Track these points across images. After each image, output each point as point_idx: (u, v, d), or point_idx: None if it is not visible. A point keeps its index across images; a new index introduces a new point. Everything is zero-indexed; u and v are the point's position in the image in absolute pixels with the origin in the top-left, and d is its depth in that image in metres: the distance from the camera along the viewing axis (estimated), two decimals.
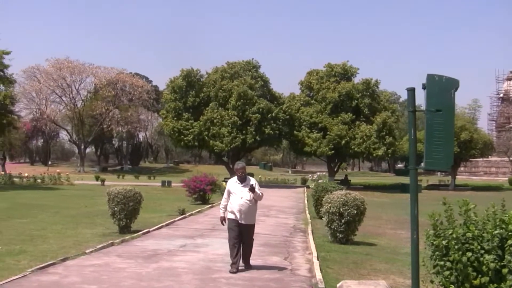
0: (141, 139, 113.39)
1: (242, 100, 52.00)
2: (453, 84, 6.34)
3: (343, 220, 15.38)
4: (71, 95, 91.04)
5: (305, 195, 39.81)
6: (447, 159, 6.35)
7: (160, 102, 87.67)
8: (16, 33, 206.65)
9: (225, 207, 11.42)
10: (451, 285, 6.34)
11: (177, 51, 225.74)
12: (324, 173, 60.57)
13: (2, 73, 43.24)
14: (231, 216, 11.20)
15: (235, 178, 11.44)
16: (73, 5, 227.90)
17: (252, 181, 11.30)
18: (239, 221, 11.07)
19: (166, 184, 47.84)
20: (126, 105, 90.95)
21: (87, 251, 12.93)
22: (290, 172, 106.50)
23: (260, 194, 11.31)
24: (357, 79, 59.11)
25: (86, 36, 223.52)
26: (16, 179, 46.23)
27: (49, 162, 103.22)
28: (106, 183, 47.79)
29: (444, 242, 6.42)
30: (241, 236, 11.14)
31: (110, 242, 14.25)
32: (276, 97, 57.60)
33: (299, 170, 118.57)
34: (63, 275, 10.30)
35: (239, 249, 11.17)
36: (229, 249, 11.27)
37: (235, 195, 11.16)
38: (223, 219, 11.50)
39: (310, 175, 64.06)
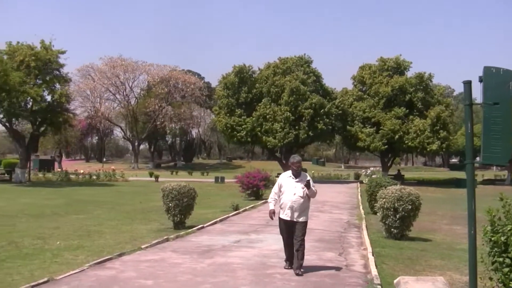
0: (194, 136, 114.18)
1: (294, 96, 51.90)
2: (510, 76, 6.21)
3: (397, 216, 15.23)
4: (124, 93, 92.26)
5: (359, 190, 39.55)
6: (505, 153, 6.22)
7: (213, 98, 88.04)
8: (71, 32, 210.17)
9: (275, 201, 10.88)
10: (511, 282, 6.22)
11: (230, 46, 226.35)
12: (377, 168, 60.05)
13: (58, 72, 43.99)
14: (282, 215, 10.62)
15: (288, 173, 10.86)
16: (128, 6, 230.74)
17: (307, 176, 10.73)
18: (291, 219, 10.48)
19: (219, 180, 48.06)
20: (179, 102, 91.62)
21: (143, 246, 13.09)
22: (343, 167, 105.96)
23: (315, 190, 10.72)
24: (410, 73, 58.44)
25: (140, 35, 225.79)
26: (72, 176, 47.00)
27: (104, 159, 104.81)
28: (160, 179, 48.24)
29: (503, 238, 6.29)
30: (293, 233, 10.53)
31: (165, 237, 14.39)
32: (328, 92, 57.28)
33: (352, 165, 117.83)
34: (120, 270, 10.45)
35: (292, 248, 10.61)
36: (283, 247, 11.03)
37: (288, 191, 10.56)
38: (273, 213, 10.84)
39: (363, 170, 63.51)
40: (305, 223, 10.69)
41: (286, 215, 10.56)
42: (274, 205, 10.91)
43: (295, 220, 10.51)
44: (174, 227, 16.86)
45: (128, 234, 15.73)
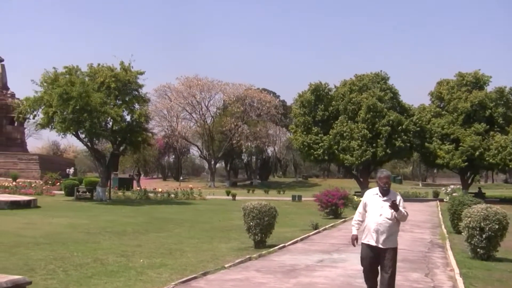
0: (269, 154, 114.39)
1: (371, 113, 51.48)
2: None
3: (484, 235, 14.78)
4: (201, 112, 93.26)
5: (439, 208, 38.77)
6: None
7: (288, 116, 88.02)
8: (148, 52, 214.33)
9: (359, 224, 9.30)
10: None
11: (305, 64, 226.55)
12: (457, 186, 58.75)
13: (137, 93, 44.72)
14: (365, 239, 9.03)
15: (375, 190, 9.15)
16: (205, 28, 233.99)
17: (396, 196, 9.09)
18: (376, 244, 8.86)
19: (297, 198, 47.81)
20: (254, 121, 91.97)
21: (226, 265, 13.05)
22: (420, 185, 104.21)
23: (405, 213, 9.03)
24: (490, 88, 57.13)
25: (215, 54, 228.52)
26: (151, 194, 47.60)
27: (181, 178, 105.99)
28: (237, 197, 48.38)
29: None
30: (379, 263, 8.95)
31: (247, 256, 14.33)
32: (406, 109, 56.50)
33: (430, 183, 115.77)
34: None
35: (375, 282, 9.13)
36: (364, 280, 9.40)
37: (373, 211, 8.97)
38: (355, 239, 9.31)
39: (442, 188, 62.27)
40: (394, 251, 9.00)
41: (370, 240, 8.95)
42: (358, 229, 9.35)
43: (380, 246, 8.84)
44: (255, 246, 16.80)
45: (210, 253, 15.75)
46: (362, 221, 9.23)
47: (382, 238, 8.83)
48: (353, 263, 13.74)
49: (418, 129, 53.85)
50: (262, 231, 16.78)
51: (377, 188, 9.17)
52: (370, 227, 8.95)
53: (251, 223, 16.64)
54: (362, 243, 9.10)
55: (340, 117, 53.76)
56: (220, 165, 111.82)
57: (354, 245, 9.38)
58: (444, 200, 46.37)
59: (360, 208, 9.34)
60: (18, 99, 78.71)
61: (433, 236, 21.43)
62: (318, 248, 16.83)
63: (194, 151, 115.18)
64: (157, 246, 17.19)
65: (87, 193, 43.47)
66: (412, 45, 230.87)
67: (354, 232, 9.34)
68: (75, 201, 40.60)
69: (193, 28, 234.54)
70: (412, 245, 18.15)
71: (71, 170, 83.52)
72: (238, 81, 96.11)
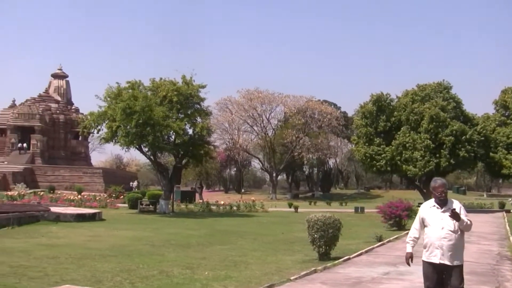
0: (331, 166, 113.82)
1: (434, 123, 50.75)
2: None
3: None
4: (262, 124, 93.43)
5: (505, 220, 37.88)
6: None
7: (350, 128, 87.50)
8: (210, 66, 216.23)
9: (415, 241, 8.52)
10: None
11: (365, 75, 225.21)
12: None
13: (198, 106, 45.05)
14: (427, 256, 8.15)
15: (431, 202, 8.35)
16: (261, 39, 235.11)
17: (455, 204, 8.17)
18: (441, 262, 7.96)
19: (359, 210, 47.44)
20: (315, 132, 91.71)
21: (292, 277, 12.98)
22: (485, 195, 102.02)
23: (468, 222, 8.10)
24: None
25: (274, 66, 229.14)
26: (213, 207, 47.81)
27: (242, 190, 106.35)
28: (299, 210, 48.24)
29: None
30: (444, 282, 8.08)
31: (312, 269, 14.22)
32: (469, 118, 55.46)
33: (495, 194, 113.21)
34: None
35: None
36: None
37: (433, 225, 8.10)
38: (410, 257, 8.52)
39: (509, 198, 60.85)
40: (460, 268, 8.11)
41: (433, 257, 8.05)
42: (413, 246, 8.54)
43: (446, 263, 7.93)
44: (319, 258, 16.66)
45: (274, 265, 15.69)
46: (418, 238, 8.48)
47: (447, 254, 7.93)
48: (419, 275, 13.27)
49: (483, 138, 52.73)
50: (326, 243, 16.65)
51: (433, 199, 8.37)
52: (432, 244, 8.05)
53: (316, 235, 16.52)
54: (424, 262, 8.25)
55: (402, 128, 53.12)
56: (281, 177, 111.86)
57: (409, 264, 8.62)
58: (511, 211, 45.31)
59: (416, 224, 8.53)
60: (82, 114, 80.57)
61: (501, 248, 20.91)
62: (383, 260, 16.60)
63: (255, 164, 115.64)
64: (221, 258, 17.22)
65: (150, 206, 43.98)
66: (474, 53, 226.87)
67: (409, 249, 8.55)
68: (139, 214, 41.10)
69: (253, 42, 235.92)
70: (479, 257, 17.73)
71: (135, 184, 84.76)
72: (298, 93, 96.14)
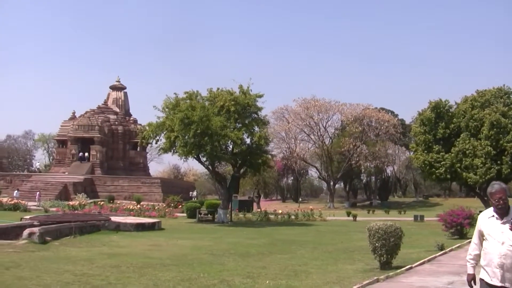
0: (389, 174, 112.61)
1: (495, 129, 49.68)
2: None
3: None
4: (319, 133, 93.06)
5: None
6: None
7: (407, 135, 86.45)
8: (266, 75, 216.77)
9: (476, 259, 7.14)
10: None
11: (423, 82, 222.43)
12: None
13: (256, 115, 45.17)
14: (486, 276, 6.78)
15: (490, 211, 6.95)
16: (316, 48, 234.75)
17: None
18: (502, 284, 6.60)
19: (419, 218, 46.80)
20: (373, 140, 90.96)
21: (354, 287, 12.84)
22: None
23: None
24: None
25: (328, 74, 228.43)
26: (271, 216, 47.77)
27: (300, 199, 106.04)
28: (357, 218, 47.88)
29: None
30: None
31: (375, 278, 14.03)
32: None
33: None
34: None
35: None
36: None
37: (493, 240, 6.72)
38: (472, 279, 7.15)
39: None
40: None
41: (492, 277, 6.69)
42: (474, 266, 7.20)
43: (508, 285, 6.56)
44: (380, 267, 16.46)
45: (335, 274, 15.57)
46: (479, 255, 7.05)
47: (509, 276, 6.55)
48: None
49: None
50: (388, 252, 16.44)
51: (491, 208, 6.98)
52: (491, 261, 6.68)
53: (377, 244, 16.32)
54: (482, 280, 6.90)
55: (462, 135, 52.17)
56: (339, 185, 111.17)
57: (471, 286, 7.22)
58: None
59: (475, 238, 7.15)
60: (140, 124, 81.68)
61: None
62: (447, 270, 16.28)
63: (312, 172, 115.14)
64: (281, 267, 17.16)
65: (209, 215, 44.25)
66: None
67: (470, 271, 7.23)
68: (197, 223, 41.37)
69: (308, 51, 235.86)
70: None
71: (194, 193, 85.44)
72: (355, 101, 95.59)
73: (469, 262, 7.25)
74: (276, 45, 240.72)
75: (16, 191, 62.26)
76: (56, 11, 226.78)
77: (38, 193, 63.90)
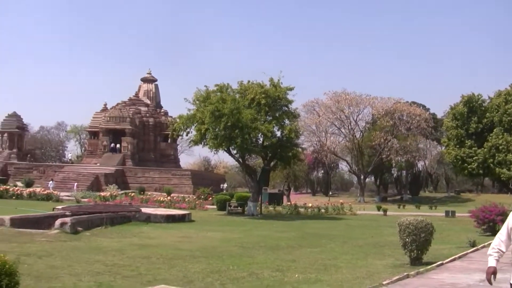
0: (420, 168, 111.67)
1: None
2: None
3: None
4: (349, 127, 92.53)
5: None
6: None
7: (439, 130, 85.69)
8: (297, 68, 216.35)
9: (499, 253, 6.70)
10: None
11: (456, 75, 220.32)
12: None
13: (286, 108, 45.09)
14: None
15: None
16: (347, 41, 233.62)
17: None
18: None
19: (450, 214, 46.40)
20: (404, 135, 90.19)
21: (384, 282, 12.75)
22: None
23: None
24: None
25: (359, 68, 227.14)
26: (301, 209, 47.67)
27: (330, 193, 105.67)
28: (388, 213, 47.62)
29: None
30: None
31: (405, 274, 13.90)
32: None
33: None
34: None
35: None
36: None
37: None
38: (493, 272, 6.63)
39: None
40: None
41: None
42: (498, 259, 6.72)
43: None
44: (410, 263, 16.33)
45: (365, 269, 15.50)
46: (504, 252, 6.69)
47: None
48: None
49: None
50: (418, 248, 16.28)
51: None
52: None
53: (407, 239, 16.18)
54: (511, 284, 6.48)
55: (495, 129, 51.79)
56: (369, 180, 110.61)
57: (490, 282, 6.68)
58: None
59: (502, 234, 6.72)
60: (171, 117, 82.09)
61: None
62: (479, 267, 16.04)
63: (343, 166, 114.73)
64: (311, 261, 17.13)
65: (239, 208, 44.30)
66: None
67: (492, 263, 6.66)
68: (227, 215, 41.45)
69: (339, 43, 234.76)
70: None
71: (225, 186, 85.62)
72: (386, 95, 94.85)
73: (491, 255, 6.69)
74: (308, 38, 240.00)
75: (51, 181, 63.00)
76: (88, 4, 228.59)
77: (76, 184, 64.81)
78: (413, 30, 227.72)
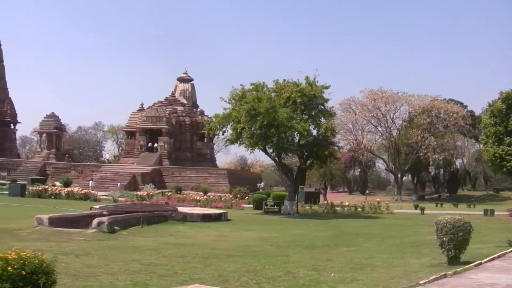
0: (458, 166, 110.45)
1: None
2: None
3: None
4: (386, 125, 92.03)
5: None
6: None
7: (477, 127, 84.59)
8: (332, 67, 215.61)
9: None
10: None
11: (494, 72, 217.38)
12: None
13: (322, 107, 44.92)
14: None
15: None
16: (384, 39, 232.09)
17: None
18: None
19: (489, 212, 45.77)
20: (441, 132, 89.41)
21: (421, 282, 12.61)
22: None
23: None
24: None
25: (396, 65, 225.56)
26: (337, 208, 47.48)
27: (367, 191, 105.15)
28: (425, 211, 47.19)
29: None
30: None
31: (442, 273, 13.72)
32: None
33: None
34: None
35: None
36: None
37: None
38: None
39: None
40: None
41: None
42: None
43: None
44: (448, 262, 16.12)
45: (401, 268, 15.35)
46: None
47: None
48: None
49: None
50: (456, 247, 16.06)
51: None
52: None
53: (445, 238, 15.97)
54: None
55: None
56: (406, 178, 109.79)
57: None
58: None
59: None
60: (207, 116, 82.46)
61: None
62: None
63: (379, 164, 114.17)
64: (347, 260, 17.04)
65: (275, 207, 44.26)
66: None
67: None
68: (263, 214, 41.49)
69: (376, 42, 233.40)
70: None
71: (262, 185, 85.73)
72: (423, 92, 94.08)
73: None
74: (344, 37, 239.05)
75: (91, 181, 63.64)
76: (126, 6, 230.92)
77: (119, 184, 65.40)
78: (450, 27, 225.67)
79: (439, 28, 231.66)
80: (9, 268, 8.02)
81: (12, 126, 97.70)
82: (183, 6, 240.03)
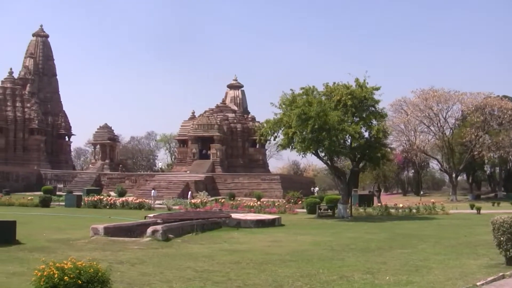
0: None
1: None
2: None
3: None
4: (438, 124, 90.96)
5: None
6: None
7: None
8: (383, 68, 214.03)
9: None
10: None
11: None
12: None
13: (373, 108, 44.53)
14: None
15: None
16: (433, 39, 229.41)
17: None
18: None
19: None
20: (496, 130, 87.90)
21: (478, 283, 12.44)
22: None
23: None
24: None
25: (448, 64, 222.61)
26: (392, 210, 46.96)
27: (421, 192, 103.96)
28: (482, 211, 46.39)
29: None
30: None
31: (500, 274, 13.50)
32: None
33: None
34: None
35: None
36: None
37: None
38: None
39: None
40: None
41: None
42: None
43: None
44: (506, 263, 15.79)
45: (458, 270, 15.15)
46: None
47: None
48: None
49: None
50: None
51: None
52: None
53: (502, 238, 15.64)
54: None
55: None
56: (461, 177, 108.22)
57: None
58: None
59: None
60: (258, 122, 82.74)
61: None
62: None
63: (433, 165, 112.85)
64: (402, 263, 16.88)
65: (329, 210, 44.05)
66: None
67: None
68: (317, 218, 41.29)
69: (425, 41, 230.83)
70: None
71: (316, 189, 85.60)
72: (476, 90, 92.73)
73: None
74: (393, 38, 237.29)
75: (153, 190, 64.13)
76: (175, 18, 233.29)
77: (190, 192, 65.96)
78: (500, 24, 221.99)
79: (490, 26, 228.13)
80: (66, 277, 8.19)
81: (67, 139, 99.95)
82: (233, 13, 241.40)
